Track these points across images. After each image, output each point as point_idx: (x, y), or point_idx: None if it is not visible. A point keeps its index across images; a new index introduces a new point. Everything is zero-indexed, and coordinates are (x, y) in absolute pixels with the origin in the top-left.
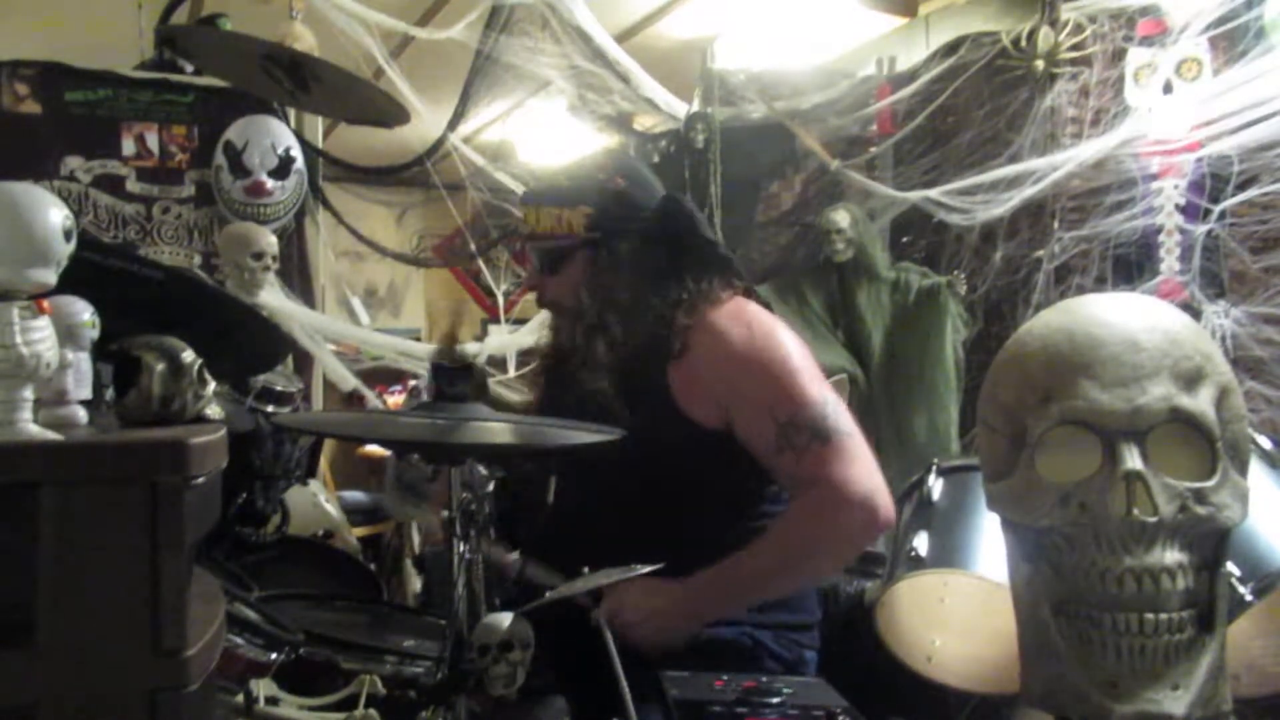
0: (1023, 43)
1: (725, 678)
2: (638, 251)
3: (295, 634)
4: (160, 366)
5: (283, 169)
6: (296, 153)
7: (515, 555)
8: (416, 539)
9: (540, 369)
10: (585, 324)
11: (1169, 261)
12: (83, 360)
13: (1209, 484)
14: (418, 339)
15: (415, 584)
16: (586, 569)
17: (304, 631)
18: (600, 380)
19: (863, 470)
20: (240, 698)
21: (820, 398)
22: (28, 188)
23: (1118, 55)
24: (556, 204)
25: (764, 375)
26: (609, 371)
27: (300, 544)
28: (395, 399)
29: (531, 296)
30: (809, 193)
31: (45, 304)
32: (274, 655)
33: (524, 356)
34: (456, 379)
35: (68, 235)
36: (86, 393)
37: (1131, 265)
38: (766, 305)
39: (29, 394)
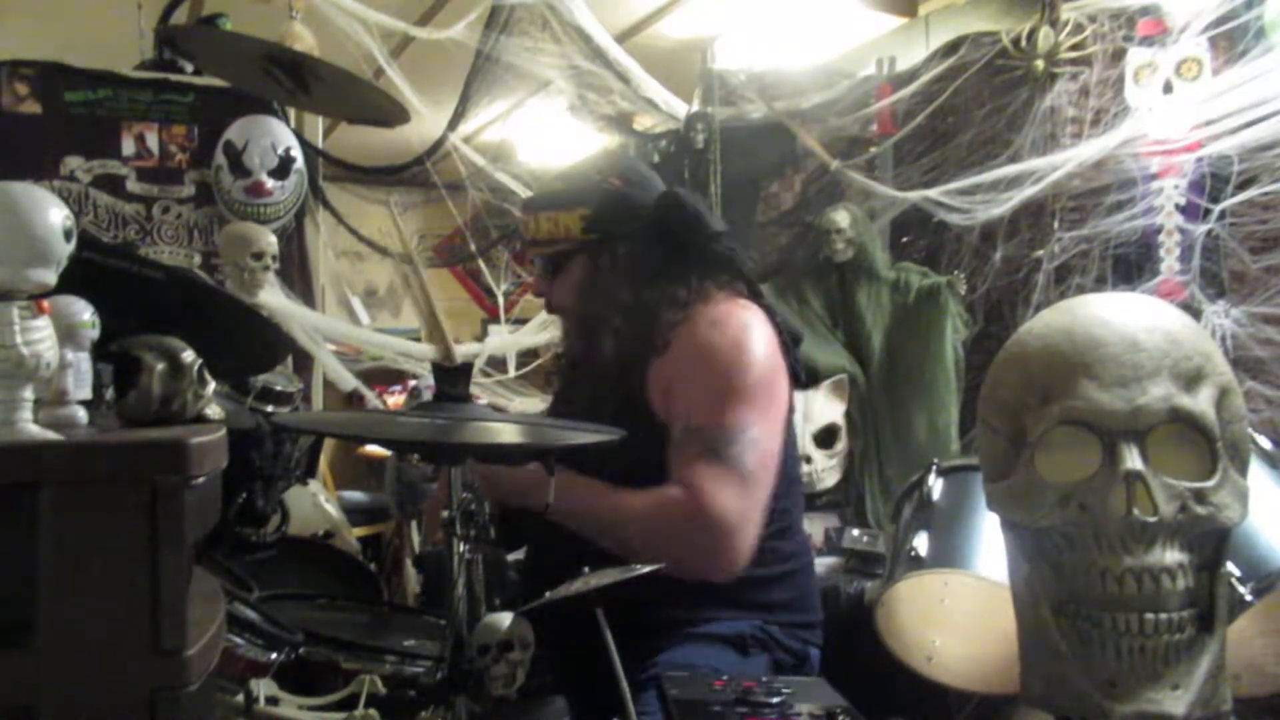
0: (1023, 43)
1: (725, 678)
2: (637, 252)
3: (295, 634)
4: (160, 366)
5: (283, 169)
6: (296, 153)
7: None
8: (416, 539)
9: (555, 369)
10: (587, 326)
11: (1169, 261)
12: (83, 360)
13: (1209, 484)
14: (417, 339)
15: (415, 584)
16: (586, 569)
17: (304, 631)
18: (604, 382)
19: (731, 500)
20: (240, 698)
21: (738, 426)
22: (28, 188)
23: (1118, 55)
24: (553, 208)
25: (702, 380)
26: (613, 372)
27: (300, 544)
28: (395, 399)
29: (531, 296)
30: (809, 193)
31: (45, 304)
32: (274, 655)
33: (524, 357)
34: (456, 379)
35: (68, 235)
36: (86, 393)
37: (1131, 265)
38: (768, 306)
39: (29, 394)
